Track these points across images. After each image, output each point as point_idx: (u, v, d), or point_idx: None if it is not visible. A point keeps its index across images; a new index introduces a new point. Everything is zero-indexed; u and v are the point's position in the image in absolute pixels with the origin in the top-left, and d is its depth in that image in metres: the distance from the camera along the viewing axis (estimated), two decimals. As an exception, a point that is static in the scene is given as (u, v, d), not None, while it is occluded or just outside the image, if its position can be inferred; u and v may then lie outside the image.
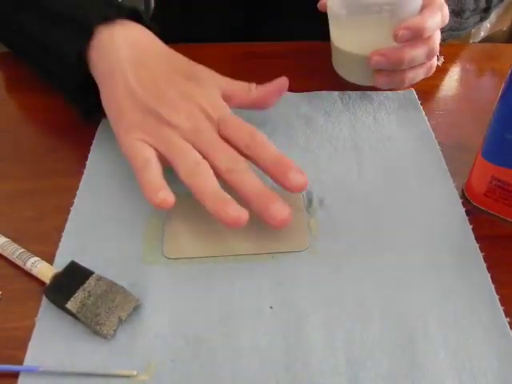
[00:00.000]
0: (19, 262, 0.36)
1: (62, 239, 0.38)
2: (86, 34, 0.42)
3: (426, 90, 0.52)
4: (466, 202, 0.41)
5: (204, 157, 0.38)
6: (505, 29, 0.80)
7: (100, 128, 0.48)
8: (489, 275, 0.36)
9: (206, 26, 0.66)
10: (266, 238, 0.38)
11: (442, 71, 0.55)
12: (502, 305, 0.34)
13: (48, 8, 0.45)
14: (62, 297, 0.33)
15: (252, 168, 0.38)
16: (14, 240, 0.38)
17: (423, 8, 0.45)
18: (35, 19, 0.46)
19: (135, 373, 0.31)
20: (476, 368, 0.31)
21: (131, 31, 0.43)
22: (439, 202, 0.41)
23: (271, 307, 0.34)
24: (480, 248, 0.37)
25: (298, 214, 0.40)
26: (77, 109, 0.46)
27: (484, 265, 0.36)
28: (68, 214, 0.40)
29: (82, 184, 0.43)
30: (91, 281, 0.34)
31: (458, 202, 0.41)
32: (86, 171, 0.44)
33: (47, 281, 0.35)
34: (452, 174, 0.43)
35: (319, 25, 0.49)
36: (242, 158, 0.38)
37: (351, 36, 0.47)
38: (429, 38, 0.45)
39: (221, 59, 0.57)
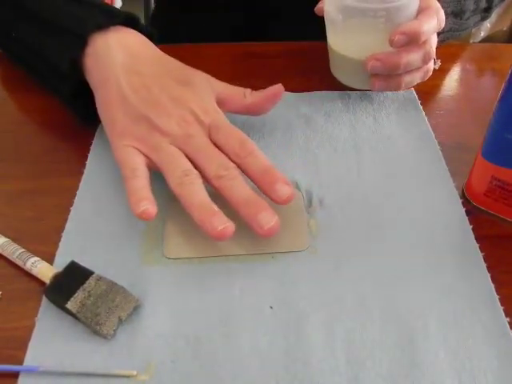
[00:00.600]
0: (19, 262, 0.36)
1: (62, 239, 0.38)
2: (80, 42, 0.42)
3: (426, 90, 0.52)
4: (466, 201, 0.41)
5: (194, 163, 0.38)
6: (505, 29, 0.80)
7: (100, 128, 0.48)
8: (489, 275, 0.36)
9: (205, 26, 0.66)
10: (266, 238, 0.38)
11: (441, 71, 0.55)
12: (501, 305, 0.34)
13: (46, 18, 0.46)
14: (62, 297, 0.33)
15: (242, 175, 0.38)
16: (14, 240, 0.38)
17: (419, 12, 0.45)
18: (33, 29, 0.46)
19: (135, 373, 0.31)
20: (476, 368, 0.31)
21: (126, 37, 0.43)
22: (439, 202, 0.41)
23: (271, 307, 0.34)
24: (480, 248, 0.37)
25: (298, 214, 0.40)
26: (74, 115, 0.46)
27: (484, 265, 0.36)
28: (68, 214, 0.40)
29: (81, 184, 0.43)
30: (91, 281, 0.34)
31: (458, 202, 0.41)
32: (85, 171, 0.44)
33: (47, 281, 0.35)
34: (452, 174, 0.43)
35: (319, 25, 0.49)
36: (232, 165, 0.38)
37: (347, 40, 0.47)
38: (425, 42, 0.45)
39: (221, 59, 0.57)
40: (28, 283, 0.36)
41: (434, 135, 0.47)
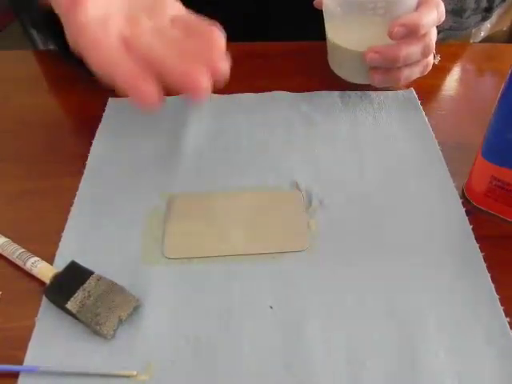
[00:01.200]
0: (19, 262, 0.36)
1: (62, 239, 0.38)
2: None
3: (426, 90, 0.52)
4: (466, 201, 0.41)
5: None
6: (505, 29, 0.80)
7: (100, 128, 0.48)
8: (489, 275, 0.36)
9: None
10: (266, 238, 0.38)
11: (441, 71, 0.55)
12: (501, 305, 0.34)
13: None
14: (62, 297, 0.33)
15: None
16: (14, 240, 0.38)
17: (419, 5, 0.44)
18: None
19: (135, 373, 0.31)
20: (476, 368, 0.31)
21: None
22: (439, 202, 0.41)
23: (271, 307, 0.34)
24: (480, 248, 0.37)
25: (297, 214, 0.40)
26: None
27: (484, 265, 0.36)
28: (68, 214, 0.40)
29: (81, 184, 0.43)
30: (91, 281, 0.34)
31: (458, 201, 0.41)
32: (85, 171, 0.44)
33: (47, 281, 0.35)
34: (452, 174, 0.43)
35: (319, 25, 0.49)
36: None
37: (346, 33, 0.47)
38: (424, 35, 0.44)
39: (221, 59, 0.57)
40: (28, 283, 0.36)
41: (433, 135, 0.47)
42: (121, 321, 0.33)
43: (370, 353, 0.32)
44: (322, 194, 0.42)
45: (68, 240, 0.38)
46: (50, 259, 0.37)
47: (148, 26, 0.35)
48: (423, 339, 0.32)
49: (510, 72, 0.34)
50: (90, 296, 0.34)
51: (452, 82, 0.55)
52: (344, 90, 0.52)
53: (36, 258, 0.36)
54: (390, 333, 0.33)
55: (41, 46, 1.08)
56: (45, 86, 0.54)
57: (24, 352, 0.32)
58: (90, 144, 0.46)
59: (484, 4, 0.57)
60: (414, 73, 0.47)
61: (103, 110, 0.50)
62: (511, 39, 0.81)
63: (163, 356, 0.32)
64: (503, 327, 0.33)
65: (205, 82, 0.32)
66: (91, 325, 0.32)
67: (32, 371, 0.31)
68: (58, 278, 0.35)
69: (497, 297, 0.35)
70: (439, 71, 0.54)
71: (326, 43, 0.50)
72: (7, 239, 0.38)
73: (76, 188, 0.42)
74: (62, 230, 0.39)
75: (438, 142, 0.46)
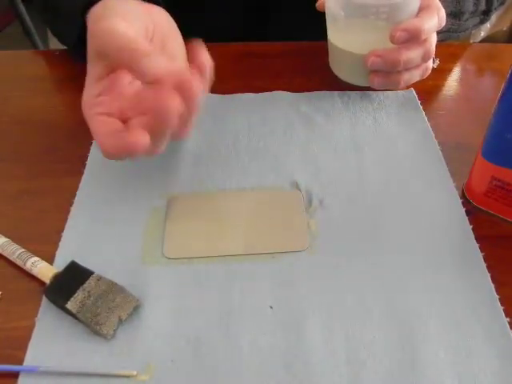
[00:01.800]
0: (19, 262, 0.36)
1: (62, 239, 0.38)
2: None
3: (426, 90, 0.52)
4: (466, 201, 0.41)
5: None
6: (505, 29, 0.80)
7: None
8: (489, 275, 0.36)
9: (206, 26, 0.66)
10: (266, 238, 0.38)
11: (442, 71, 0.55)
12: (501, 305, 0.34)
13: None
14: (62, 297, 0.33)
15: None
16: (14, 240, 0.38)
17: (420, 10, 0.45)
18: None
19: (135, 373, 0.31)
20: (476, 368, 0.31)
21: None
22: (439, 201, 0.41)
23: (271, 307, 0.34)
24: (480, 248, 0.37)
25: (297, 214, 0.40)
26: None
27: (484, 265, 0.36)
28: (68, 214, 0.40)
29: (81, 184, 0.43)
30: (91, 281, 0.34)
31: (458, 202, 0.41)
32: (85, 171, 0.44)
33: (47, 281, 0.35)
34: (452, 174, 0.43)
35: (319, 25, 0.49)
36: None
37: (348, 36, 0.48)
38: (425, 40, 0.45)
39: (221, 59, 0.57)
40: (28, 283, 0.36)
41: (433, 135, 0.47)
42: (121, 321, 0.33)
43: (369, 353, 0.32)
44: (322, 194, 0.42)
45: (68, 240, 0.38)
46: (50, 259, 0.37)
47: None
48: (423, 339, 0.32)
49: (510, 72, 0.34)
50: (90, 296, 0.34)
51: (452, 82, 0.55)
52: (344, 90, 0.52)
53: (36, 258, 0.36)
54: (389, 333, 0.33)
55: (41, 46, 1.09)
56: (45, 86, 0.54)
57: (24, 352, 0.32)
58: (90, 144, 0.46)
59: (482, 7, 0.57)
60: (414, 77, 0.48)
61: (103, 110, 0.50)
62: (511, 39, 0.81)
63: (163, 356, 0.32)
64: (503, 327, 0.33)
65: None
66: (91, 325, 0.32)
67: (32, 371, 0.31)
68: (58, 278, 0.35)
69: (497, 297, 0.35)
70: (439, 71, 0.54)
71: (325, 43, 0.50)
72: (7, 239, 0.38)
73: (76, 188, 0.42)
74: (62, 229, 0.39)
75: (438, 142, 0.46)
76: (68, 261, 0.36)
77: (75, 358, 0.32)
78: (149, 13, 0.39)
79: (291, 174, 0.43)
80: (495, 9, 0.58)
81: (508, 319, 0.33)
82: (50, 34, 1.32)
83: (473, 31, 0.68)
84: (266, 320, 0.34)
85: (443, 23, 0.46)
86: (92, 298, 0.33)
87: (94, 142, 0.46)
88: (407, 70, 0.46)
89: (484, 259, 0.37)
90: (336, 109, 0.50)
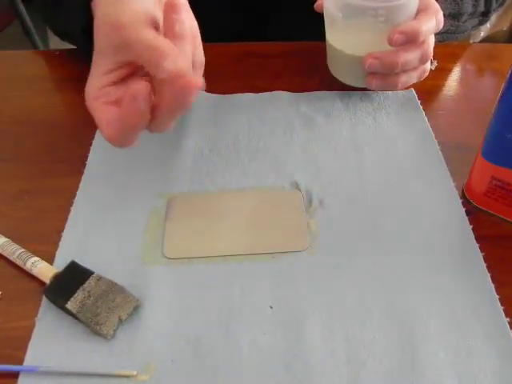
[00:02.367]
0: (19, 262, 0.36)
1: (62, 239, 0.38)
2: None
3: (426, 90, 0.52)
4: (465, 201, 0.41)
5: None
6: (505, 29, 0.80)
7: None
8: (489, 275, 0.36)
9: (206, 26, 0.66)
10: (266, 238, 0.38)
11: (442, 71, 0.55)
12: (501, 305, 0.34)
13: None
14: (62, 297, 0.33)
15: None
16: (14, 240, 0.38)
17: (418, 12, 0.45)
18: None
19: (135, 373, 0.31)
20: (476, 368, 0.31)
21: None
22: (439, 201, 0.41)
23: (271, 307, 0.34)
24: (480, 248, 0.37)
25: (297, 214, 0.40)
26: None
27: (484, 265, 0.36)
28: (68, 214, 0.40)
29: (81, 184, 0.43)
30: (91, 281, 0.34)
31: (458, 202, 0.41)
32: (85, 171, 0.44)
33: (47, 281, 0.35)
34: (452, 174, 0.43)
35: (318, 25, 0.49)
36: None
37: (346, 38, 0.48)
38: (423, 42, 0.45)
39: (221, 59, 0.57)
40: (28, 283, 0.36)
41: (433, 135, 0.47)
42: (121, 321, 0.33)
43: (369, 353, 0.32)
44: (322, 194, 0.42)
45: (68, 240, 0.38)
46: (50, 259, 0.37)
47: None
48: (423, 339, 0.32)
49: (510, 72, 0.34)
50: (90, 296, 0.34)
51: (452, 82, 0.55)
52: (344, 90, 0.52)
53: (36, 258, 0.36)
54: (389, 333, 0.33)
55: (41, 46, 1.09)
56: (45, 86, 0.54)
57: (24, 352, 0.32)
58: (90, 144, 0.46)
59: (481, 8, 0.57)
60: (412, 78, 0.48)
61: (103, 110, 0.50)
62: (511, 39, 0.81)
63: (163, 356, 0.32)
64: (503, 327, 0.33)
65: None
66: (91, 325, 0.32)
67: (32, 371, 0.31)
68: (58, 278, 0.35)
69: (497, 297, 0.35)
70: (439, 71, 0.54)
71: (325, 43, 0.50)
72: (7, 239, 0.38)
73: (76, 188, 0.42)
74: (62, 229, 0.39)
75: (438, 142, 0.46)
76: (68, 261, 0.36)
77: (75, 358, 0.32)
78: None
79: (291, 174, 0.43)
80: (494, 10, 0.58)
81: (508, 319, 0.33)
82: (50, 34, 1.32)
83: (472, 32, 0.68)
84: (266, 320, 0.34)
85: (441, 25, 0.46)
86: (92, 298, 0.33)
87: (94, 142, 0.46)
88: (405, 71, 0.46)
89: (484, 259, 0.37)
90: (336, 109, 0.50)
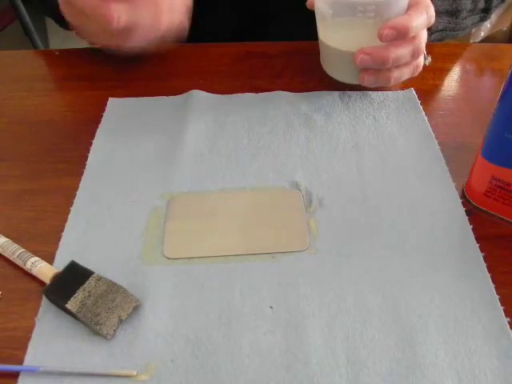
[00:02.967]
0: (19, 262, 0.36)
1: (62, 239, 0.38)
2: None
3: (426, 90, 0.52)
4: (465, 201, 0.41)
5: None
6: (505, 29, 0.80)
7: (100, 128, 0.48)
8: (489, 275, 0.36)
9: (206, 26, 0.66)
10: (266, 238, 0.38)
11: (442, 71, 0.55)
12: (502, 305, 0.34)
13: None
14: (62, 297, 0.33)
15: None
16: (14, 240, 0.38)
17: (409, 8, 0.45)
18: None
19: (135, 373, 0.31)
20: (476, 368, 0.31)
21: None
22: (439, 201, 0.41)
23: (271, 307, 0.34)
24: (480, 248, 0.37)
25: (297, 213, 0.40)
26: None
27: (484, 265, 0.36)
28: (68, 214, 0.40)
29: (81, 184, 0.43)
30: (91, 281, 0.34)
31: (458, 201, 0.41)
32: (85, 171, 0.44)
33: (47, 281, 0.35)
34: (452, 174, 0.43)
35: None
36: None
37: (337, 34, 0.48)
38: (414, 37, 0.45)
39: (221, 59, 0.57)
40: (28, 283, 0.36)
41: (434, 135, 0.47)
42: (121, 321, 0.33)
43: (369, 353, 0.32)
44: (321, 194, 0.42)
45: (68, 240, 0.38)
46: (50, 259, 0.37)
47: None
48: (423, 339, 0.32)
49: (510, 72, 0.34)
50: (90, 296, 0.34)
51: (452, 82, 0.55)
52: (344, 90, 0.52)
53: (36, 258, 0.36)
54: (390, 333, 0.33)
55: (41, 46, 1.09)
56: (45, 86, 0.54)
57: (24, 352, 0.32)
58: (90, 144, 0.46)
59: (481, 5, 0.57)
60: (404, 74, 0.47)
61: (103, 110, 0.50)
62: (511, 39, 0.81)
63: (163, 356, 0.32)
64: (503, 327, 0.33)
65: None
66: (91, 325, 0.32)
67: (32, 371, 0.31)
68: (58, 278, 0.35)
69: (497, 297, 0.35)
70: (439, 71, 0.54)
71: None
72: (7, 239, 0.38)
73: (76, 188, 0.42)
74: (62, 230, 0.39)
75: (438, 142, 0.46)
76: (68, 261, 0.36)
77: (75, 358, 0.32)
78: None
79: (291, 173, 0.43)
80: (495, 6, 0.58)
81: (508, 319, 0.33)
82: (50, 34, 1.32)
83: (473, 29, 0.68)
84: (266, 320, 0.34)
85: (433, 20, 0.46)
86: (92, 298, 0.33)
87: (94, 142, 0.46)
88: (397, 67, 0.46)
89: (484, 259, 0.37)
90: (336, 109, 0.50)
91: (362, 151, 0.46)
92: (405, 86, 0.53)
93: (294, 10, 0.59)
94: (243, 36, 0.59)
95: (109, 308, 0.33)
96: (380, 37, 0.43)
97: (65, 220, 0.40)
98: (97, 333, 0.32)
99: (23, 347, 0.32)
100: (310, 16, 0.49)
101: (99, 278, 0.35)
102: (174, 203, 0.41)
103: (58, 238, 0.38)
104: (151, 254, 0.37)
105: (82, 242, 0.38)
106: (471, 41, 0.74)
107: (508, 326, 0.33)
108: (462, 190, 0.42)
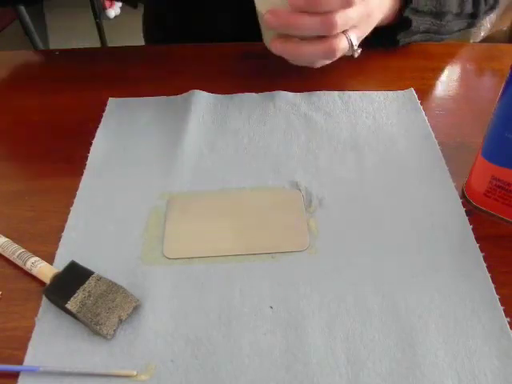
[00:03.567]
0: (19, 262, 0.36)
1: (62, 239, 0.38)
2: None
3: (426, 90, 0.52)
4: (465, 201, 0.41)
5: None
6: (505, 29, 0.80)
7: (100, 128, 0.48)
8: (489, 275, 0.36)
9: (206, 26, 0.66)
10: (266, 238, 0.38)
11: (441, 71, 0.55)
12: (502, 305, 0.34)
13: None
14: (62, 297, 0.33)
15: None
16: (14, 240, 0.38)
17: None
18: None
19: (135, 373, 0.31)
20: (476, 368, 0.31)
21: None
22: (439, 202, 0.41)
23: (271, 307, 0.34)
24: (480, 248, 0.37)
25: (297, 213, 0.40)
26: None
27: (484, 265, 0.36)
28: (68, 214, 0.40)
29: (81, 184, 0.43)
30: (91, 281, 0.34)
31: (458, 201, 0.41)
32: (85, 171, 0.44)
33: (47, 281, 0.35)
34: (452, 174, 0.43)
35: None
36: None
37: None
38: (329, 14, 0.42)
39: (221, 59, 0.57)
40: (28, 283, 0.36)
41: (434, 135, 0.47)
42: (121, 321, 0.33)
43: (369, 353, 0.32)
44: (321, 194, 0.42)
45: (68, 240, 0.38)
46: (50, 259, 0.37)
47: None
48: (423, 339, 0.32)
49: (510, 72, 0.34)
50: (90, 296, 0.34)
51: (452, 82, 0.55)
52: (344, 90, 0.52)
53: (36, 258, 0.36)
54: (390, 333, 0.33)
55: (41, 46, 1.09)
56: (45, 86, 0.54)
57: (24, 352, 0.32)
58: (90, 144, 0.46)
59: (469, 9, 0.55)
60: (316, 53, 0.45)
61: (103, 110, 0.50)
62: (511, 39, 0.81)
63: (163, 356, 0.32)
64: (503, 327, 0.33)
65: None
66: (91, 325, 0.32)
67: (32, 371, 0.31)
68: (58, 278, 0.35)
69: (497, 297, 0.35)
70: (439, 71, 0.54)
71: None
72: (7, 239, 0.38)
73: (76, 188, 0.42)
74: (62, 230, 0.39)
75: (438, 142, 0.46)
76: (68, 261, 0.36)
77: (75, 358, 0.32)
78: None
79: (291, 173, 0.43)
80: (484, 13, 0.57)
81: (508, 319, 0.33)
82: (50, 34, 1.32)
83: (473, 30, 0.68)
84: (266, 320, 0.34)
85: (354, 4, 0.43)
86: (92, 298, 0.33)
87: (94, 142, 0.46)
88: (309, 42, 0.44)
89: (484, 259, 0.37)
90: (336, 109, 0.50)
91: (362, 151, 0.46)
92: (405, 86, 0.53)
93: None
94: (243, 36, 0.59)
95: (109, 308, 0.33)
96: (290, 1, 0.42)
97: (65, 220, 0.40)
98: (97, 333, 0.33)
99: (23, 347, 0.32)
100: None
101: (99, 278, 0.35)
102: (174, 203, 0.41)
103: (58, 238, 0.38)
104: (151, 254, 0.37)
105: (82, 242, 0.38)
106: (471, 41, 0.74)
107: (508, 325, 0.33)
108: (462, 190, 0.42)
